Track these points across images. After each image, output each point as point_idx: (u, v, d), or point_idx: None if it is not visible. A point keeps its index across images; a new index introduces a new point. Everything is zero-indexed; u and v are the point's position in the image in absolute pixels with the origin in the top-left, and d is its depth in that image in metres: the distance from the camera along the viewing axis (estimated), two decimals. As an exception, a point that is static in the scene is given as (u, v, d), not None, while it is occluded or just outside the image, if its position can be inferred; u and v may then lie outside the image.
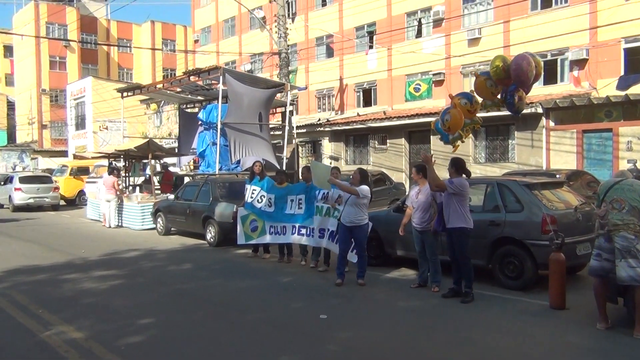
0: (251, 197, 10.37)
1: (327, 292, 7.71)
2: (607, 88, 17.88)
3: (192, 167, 22.35)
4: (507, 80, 6.42)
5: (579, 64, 18.95)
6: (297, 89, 23.00)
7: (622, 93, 16.45)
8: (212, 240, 12.32)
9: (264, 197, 10.17)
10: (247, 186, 10.59)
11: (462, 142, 7.50)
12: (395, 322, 6.20)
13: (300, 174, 9.80)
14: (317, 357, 5.08)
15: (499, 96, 6.84)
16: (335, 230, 8.88)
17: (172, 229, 14.39)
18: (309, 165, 9.81)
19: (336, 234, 8.75)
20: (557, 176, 10.98)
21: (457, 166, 7.30)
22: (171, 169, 21.64)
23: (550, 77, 19.54)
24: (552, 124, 17.56)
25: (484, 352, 5.15)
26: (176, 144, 23.87)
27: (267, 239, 10.25)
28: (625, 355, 4.99)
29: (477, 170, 18.72)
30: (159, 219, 14.58)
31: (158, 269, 9.73)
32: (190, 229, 13.49)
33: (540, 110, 17.29)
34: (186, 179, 19.40)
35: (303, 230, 9.57)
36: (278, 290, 7.86)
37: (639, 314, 5.41)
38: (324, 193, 9.01)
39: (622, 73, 17.97)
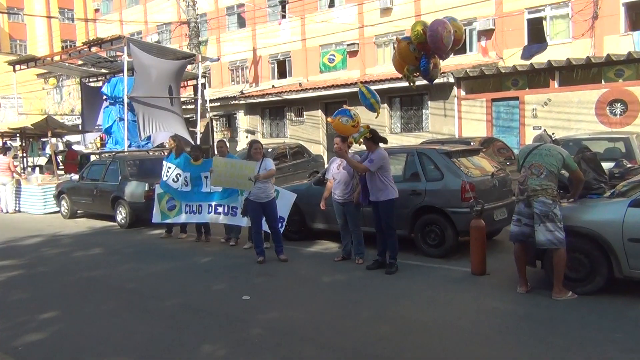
0: (166, 175, 9.76)
1: (249, 271, 7.39)
2: (512, 58, 18.57)
3: (99, 145, 20.99)
4: (427, 45, 6.28)
5: (486, 34, 19.51)
6: (208, 60, 22.11)
7: (527, 62, 17.11)
8: (123, 221, 11.58)
9: (180, 175, 9.60)
10: (164, 163, 9.96)
11: (367, 136, 7.20)
12: (321, 299, 6.01)
13: (215, 149, 9.28)
14: (240, 342, 4.77)
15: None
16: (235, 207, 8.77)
17: (78, 211, 13.42)
18: (224, 139, 9.33)
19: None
20: (472, 143, 11.20)
21: (373, 137, 7.13)
22: (75, 147, 20.23)
23: (460, 47, 19.94)
24: (463, 93, 18.00)
25: (411, 326, 5.06)
26: (79, 121, 22.31)
27: (182, 218, 9.73)
28: (546, 317, 5.07)
29: (394, 140, 18.87)
30: (63, 202, 13.53)
31: (63, 255, 8.95)
32: (98, 210, 12.62)
33: (451, 79, 17.64)
34: (93, 158, 18.21)
35: (220, 209, 9.14)
36: (197, 272, 7.43)
37: (557, 276, 5.54)
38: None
39: (526, 43, 18.69)
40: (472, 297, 5.84)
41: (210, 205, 9.20)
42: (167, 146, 9.88)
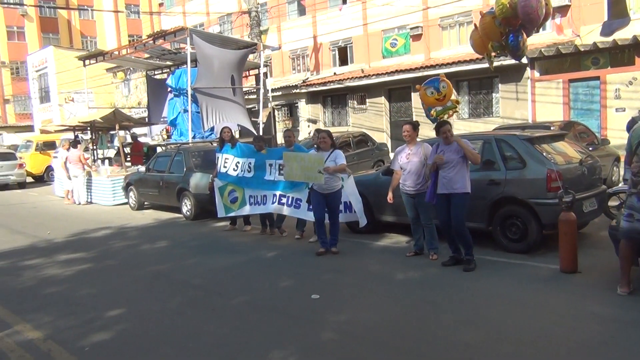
0: (224, 167, 9.57)
1: (317, 266, 7.05)
2: (590, 35, 17.22)
3: (165, 137, 21.32)
4: (513, 20, 5.67)
5: (561, 10, 18.17)
6: (270, 49, 21.91)
7: (607, 39, 15.80)
8: (188, 213, 11.55)
9: (240, 162, 9.37)
10: (218, 155, 9.77)
11: (456, 111, 6.77)
12: (395, 299, 5.57)
13: (284, 138, 8.96)
14: (313, 348, 4.43)
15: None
16: (300, 199, 8.45)
17: (145, 203, 13.56)
18: (290, 128, 9.02)
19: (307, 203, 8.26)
20: (552, 128, 10.38)
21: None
22: (141, 139, 20.60)
23: (533, 26, 18.80)
24: (537, 74, 16.91)
25: (500, 332, 4.54)
26: (146, 114, 22.76)
27: (247, 209, 9.51)
28: (656, 325, 4.44)
29: (461, 126, 18.10)
30: (131, 193, 13.71)
31: (130, 248, 8.96)
32: (164, 202, 12.67)
33: (524, 60, 16.56)
34: (159, 149, 18.46)
35: (283, 200, 8.84)
36: (263, 268, 7.17)
37: (668, 278, 4.87)
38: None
39: (605, 18, 17.27)
40: (566, 299, 5.25)
41: (274, 195, 8.91)
42: (224, 136, 9.63)
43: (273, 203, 8.90)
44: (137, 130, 21.59)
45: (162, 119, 19.78)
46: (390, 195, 7.31)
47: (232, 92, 16.23)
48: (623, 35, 15.63)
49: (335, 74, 23.94)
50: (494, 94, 18.55)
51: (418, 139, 7.29)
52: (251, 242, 8.92)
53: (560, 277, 5.95)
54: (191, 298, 5.96)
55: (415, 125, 7.07)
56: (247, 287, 6.24)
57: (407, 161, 7.04)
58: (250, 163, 9.26)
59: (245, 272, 6.99)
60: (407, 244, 8.07)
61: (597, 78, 15.56)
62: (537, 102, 16.84)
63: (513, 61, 16.66)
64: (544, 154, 7.11)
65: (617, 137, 13.53)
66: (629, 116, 15.03)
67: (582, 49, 15.64)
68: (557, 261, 6.43)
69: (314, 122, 24.28)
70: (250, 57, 18.46)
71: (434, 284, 6.03)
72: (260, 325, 5.00)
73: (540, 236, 6.97)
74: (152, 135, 21.62)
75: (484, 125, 17.21)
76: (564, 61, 16.51)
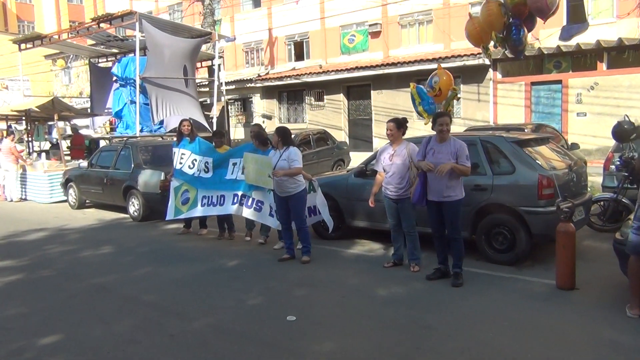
0: (180, 163, 8.63)
1: (287, 279, 6.27)
2: (549, 39, 17.16)
3: (108, 129, 19.91)
4: (522, 8, 5.09)
5: (523, 13, 18.13)
6: (225, 39, 20.86)
7: (570, 43, 15.75)
8: (135, 214, 10.51)
9: (197, 160, 8.45)
10: (175, 150, 8.79)
11: (457, 99, 6.21)
12: (384, 321, 4.86)
13: (250, 134, 8.12)
14: (297, 387, 3.67)
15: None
16: (261, 201, 7.72)
17: (87, 201, 12.36)
18: (259, 123, 8.19)
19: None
20: (525, 130, 9.98)
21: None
22: (83, 131, 19.16)
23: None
24: (499, 76, 16.71)
25: (511, 362, 3.93)
26: (88, 104, 21.25)
27: (199, 211, 8.57)
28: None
29: (421, 127, 17.67)
30: (71, 190, 12.49)
31: (69, 255, 7.88)
32: (108, 201, 11.54)
33: (487, 61, 16.33)
34: (102, 143, 17.15)
35: (244, 201, 7.97)
36: (225, 281, 6.30)
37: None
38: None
39: (564, 23, 17.28)
40: (575, 322, 4.69)
41: (235, 195, 8.04)
42: (183, 130, 8.68)
43: (234, 204, 8.02)
44: (79, 122, 20.13)
45: (106, 110, 18.43)
46: (372, 199, 6.62)
47: (184, 84, 15.16)
48: (586, 39, 15.65)
49: (294, 68, 23.13)
50: (455, 95, 18.23)
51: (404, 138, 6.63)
52: (209, 248, 8.03)
53: (557, 295, 5.42)
54: (143, 320, 5.05)
55: (401, 123, 6.39)
56: (209, 306, 5.38)
57: (389, 163, 6.36)
58: (207, 162, 8.36)
59: (205, 285, 6.11)
60: (382, 251, 7.43)
61: (559, 82, 15.48)
62: (499, 104, 16.64)
63: (476, 62, 16.54)
64: (535, 158, 6.61)
65: (579, 141, 13.43)
66: (590, 121, 15.07)
67: (546, 52, 15.49)
68: (548, 275, 5.99)
69: (269, 117, 23.41)
70: (203, 47, 17.41)
71: (422, 302, 5.36)
72: (229, 355, 4.18)
73: (529, 247, 6.46)
74: (95, 128, 20.18)
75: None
76: (526, 64, 16.38)
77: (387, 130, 6.39)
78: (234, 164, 8.02)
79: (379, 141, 20.02)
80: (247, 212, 7.92)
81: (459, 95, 6.15)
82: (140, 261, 7.35)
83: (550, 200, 6.27)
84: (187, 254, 7.73)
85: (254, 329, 4.73)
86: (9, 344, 4.50)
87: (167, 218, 8.86)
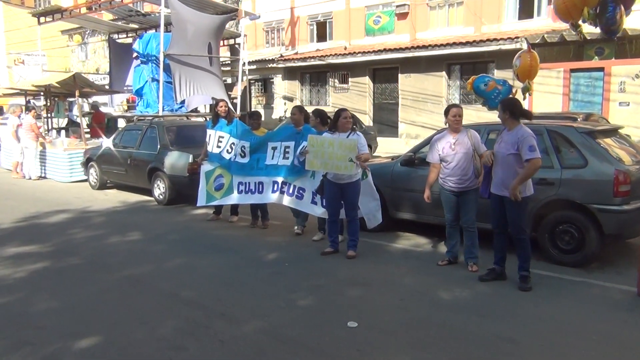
0: (218, 147, 8.08)
1: (335, 276, 5.77)
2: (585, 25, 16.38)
3: (125, 107, 19.42)
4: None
5: (559, -4, 17.28)
6: (250, 17, 20.21)
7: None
8: (161, 197, 10.03)
9: (235, 144, 7.92)
10: (210, 132, 8.24)
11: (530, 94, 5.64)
12: (461, 331, 4.31)
13: (291, 116, 7.61)
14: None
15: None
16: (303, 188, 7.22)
17: (109, 182, 11.91)
18: (300, 105, 7.64)
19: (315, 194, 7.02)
20: (578, 119, 9.35)
21: (512, 108, 5.40)
22: (102, 108, 18.67)
23: (526, 10, 17.85)
24: (536, 61, 15.92)
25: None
26: (106, 81, 20.78)
27: (234, 198, 8.06)
28: None
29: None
30: (92, 170, 12.03)
31: (95, 241, 7.40)
32: (132, 182, 11.07)
33: (524, 45, 15.54)
34: (121, 121, 16.68)
35: (285, 188, 7.44)
36: (267, 276, 5.79)
37: None
38: (302, 147, 6.88)
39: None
40: (675, 340, 4.16)
41: (275, 182, 7.50)
42: (219, 111, 8.11)
43: (274, 192, 7.49)
44: (98, 99, 19.61)
45: (125, 88, 17.98)
46: (427, 193, 6.05)
47: (209, 62, 14.61)
48: (632, 24, 14.82)
49: (318, 49, 22.42)
50: (487, 80, 17.51)
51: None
52: (242, 237, 7.53)
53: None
54: (186, 321, 4.55)
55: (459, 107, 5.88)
56: (256, 306, 4.87)
57: (452, 152, 5.79)
58: (244, 146, 7.81)
59: (246, 282, 5.61)
60: (430, 247, 6.91)
61: (602, 69, 14.68)
62: (535, 91, 15.79)
63: (512, 46, 15.79)
64: (609, 150, 6.02)
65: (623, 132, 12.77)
66: (634, 111, 14.33)
67: (589, 37, 14.68)
68: (622, 280, 5.50)
69: (291, 99, 22.79)
70: (228, 24, 16.82)
71: (491, 308, 4.83)
72: (290, 369, 3.70)
73: (599, 248, 5.90)
74: (114, 105, 19.76)
75: (475, 113, 16.14)
76: (565, 49, 15.59)
77: (453, 116, 5.81)
78: (274, 149, 7.47)
79: (405, 126, 19.38)
80: (288, 200, 7.40)
81: (530, 93, 5.54)
82: (172, 251, 6.86)
83: (626, 197, 5.72)
84: (221, 243, 7.23)
85: (313, 335, 4.22)
86: (43, 347, 4.01)
87: (198, 204, 8.35)
